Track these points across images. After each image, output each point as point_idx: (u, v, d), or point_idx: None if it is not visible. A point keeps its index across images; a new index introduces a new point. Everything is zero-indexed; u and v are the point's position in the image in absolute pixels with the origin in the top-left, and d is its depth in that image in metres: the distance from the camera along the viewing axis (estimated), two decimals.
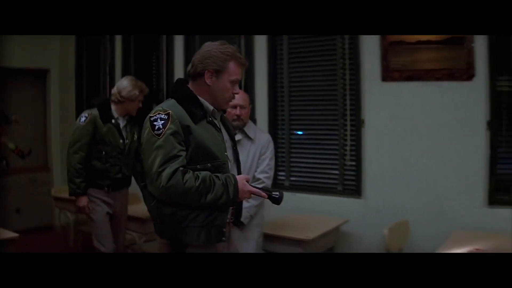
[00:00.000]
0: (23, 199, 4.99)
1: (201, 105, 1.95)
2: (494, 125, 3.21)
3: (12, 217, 4.78)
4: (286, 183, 3.93)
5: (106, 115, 3.24)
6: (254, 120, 3.96)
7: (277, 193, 1.99)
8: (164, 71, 4.51)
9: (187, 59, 4.36)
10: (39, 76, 5.23)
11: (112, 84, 4.82)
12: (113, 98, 3.27)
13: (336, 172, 3.70)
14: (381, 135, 3.52)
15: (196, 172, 1.84)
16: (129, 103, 3.25)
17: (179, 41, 4.42)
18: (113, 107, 3.27)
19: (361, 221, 3.51)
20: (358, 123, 3.58)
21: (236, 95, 2.25)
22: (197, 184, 1.82)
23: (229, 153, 2.06)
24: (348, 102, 3.61)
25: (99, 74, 5.00)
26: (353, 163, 3.62)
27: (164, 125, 1.84)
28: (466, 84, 3.23)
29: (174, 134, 1.84)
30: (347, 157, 3.67)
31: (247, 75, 4.03)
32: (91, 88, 5.08)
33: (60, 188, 4.80)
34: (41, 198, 4.97)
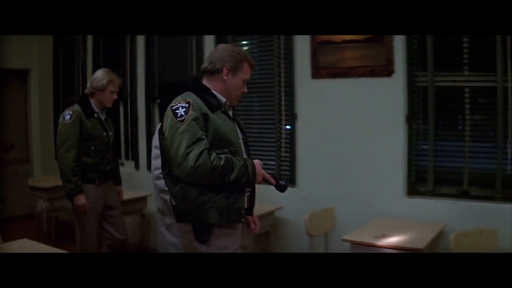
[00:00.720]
0: (7, 190, 5.32)
1: (215, 97, 2.09)
2: (412, 119, 3.39)
3: None
4: None
5: (88, 110, 3.25)
6: None
7: (283, 182, 2.13)
8: (128, 70, 4.78)
9: (148, 58, 4.66)
10: (21, 75, 5.57)
11: (84, 83, 5.15)
12: (86, 91, 3.30)
13: (273, 162, 3.92)
14: (312, 129, 3.72)
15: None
16: (100, 93, 3.24)
17: (141, 41, 4.67)
18: (91, 101, 3.28)
19: (294, 208, 3.73)
20: (292, 118, 3.79)
21: None
22: (222, 163, 1.93)
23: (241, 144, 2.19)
24: (283, 98, 3.83)
25: (74, 73, 5.30)
26: (288, 154, 3.85)
27: (186, 112, 1.95)
28: (386, 80, 3.41)
29: (195, 119, 1.96)
30: (283, 149, 3.89)
31: (198, 73, 4.27)
32: (67, 87, 5.40)
33: (36, 178, 5.18)
34: (23, 189, 5.26)
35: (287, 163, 3.86)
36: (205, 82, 2.15)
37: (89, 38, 5.09)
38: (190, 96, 2.05)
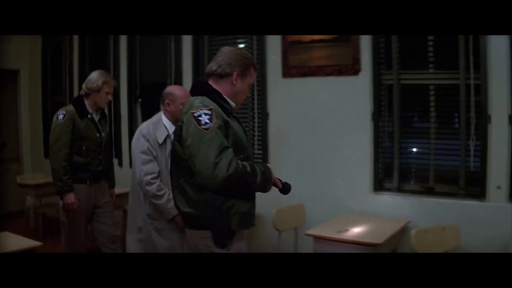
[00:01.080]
0: None
1: (227, 101, 2.04)
2: (378, 117, 3.44)
3: None
4: None
5: (82, 111, 3.25)
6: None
7: (289, 184, 2.13)
8: (112, 70, 4.86)
9: (130, 59, 4.74)
10: (11, 76, 5.67)
11: (71, 83, 5.26)
12: (82, 92, 3.29)
13: None
14: (283, 127, 3.79)
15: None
16: (95, 94, 3.24)
17: (123, 42, 4.76)
18: (86, 102, 3.28)
19: (265, 203, 3.77)
20: (264, 116, 3.86)
21: (185, 93, 2.67)
22: (249, 170, 1.91)
23: None
24: (255, 97, 3.89)
25: (62, 74, 5.40)
26: (260, 151, 3.92)
27: (210, 119, 1.89)
28: (353, 78, 3.47)
29: (220, 127, 1.91)
30: (255, 146, 3.96)
31: (176, 73, 4.36)
32: (55, 87, 5.51)
33: (25, 176, 5.30)
34: (14, 186, 5.34)
35: (259, 160, 3.92)
36: (212, 85, 2.07)
37: (75, 39, 5.18)
38: (207, 101, 1.97)
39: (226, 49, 2.14)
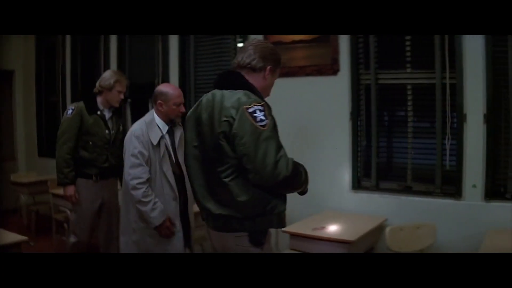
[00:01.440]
0: None
1: (262, 97, 1.96)
2: (356, 116, 3.46)
3: None
4: None
5: (91, 107, 3.29)
6: None
7: None
8: (102, 70, 4.91)
9: (120, 59, 4.80)
10: (6, 76, 5.77)
11: (64, 83, 5.34)
12: (95, 89, 3.32)
13: None
14: None
15: None
16: (107, 93, 3.27)
17: (113, 42, 4.82)
18: (98, 99, 3.32)
19: None
20: None
21: (178, 93, 2.70)
22: (301, 170, 1.91)
23: None
24: None
25: (55, 75, 5.48)
26: None
27: (265, 116, 1.81)
28: (332, 78, 3.50)
29: (274, 124, 1.86)
30: None
31: (164, 73, 4.42)
32: (48, 87, 5.59)
33: (18, 174, 5.39)
34: (9, 184, 5.42)
35: None
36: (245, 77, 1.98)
37: (68, 40, 5.26)
38: (254, 96, 1.87)
39: (257, 42, 2.04)
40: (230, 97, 1.87)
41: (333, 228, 3.03)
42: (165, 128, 2.83)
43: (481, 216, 3.04)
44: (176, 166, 2.88)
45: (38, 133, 5.68)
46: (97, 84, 3.33)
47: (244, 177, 1.84)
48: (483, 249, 2.56)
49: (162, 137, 2.80)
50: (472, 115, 3.07)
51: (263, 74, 1.99)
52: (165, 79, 4.38)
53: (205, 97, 2.00)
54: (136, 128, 2.80)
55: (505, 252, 2.42)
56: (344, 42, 3.43)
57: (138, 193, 2.70)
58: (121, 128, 3.47)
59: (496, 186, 3.08)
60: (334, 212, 3.41)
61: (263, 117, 1.81)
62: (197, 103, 2.05)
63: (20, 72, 5.78)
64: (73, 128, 3.25)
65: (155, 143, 2.76)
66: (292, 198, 3.54)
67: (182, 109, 2.86)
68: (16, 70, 5.76)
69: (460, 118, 3.11)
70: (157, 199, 2.74)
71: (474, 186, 3.10)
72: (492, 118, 3.02)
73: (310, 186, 3.49)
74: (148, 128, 2.77)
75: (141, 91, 4.55)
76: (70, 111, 3.30)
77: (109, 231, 3.45)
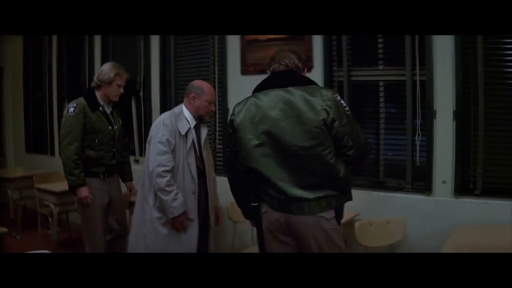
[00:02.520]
0: None
1: None
2: None
3: None
4: None
5: (93, 103, 3.15)
6: (150, 112, 4.36)
7: None
8: (87, 69, 4.95)
9: (104, 58, 4.80)
10: None
11: (50, 80, 5.35)
12: (93, 84, 3.21)
13: None
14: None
15: None
16: (107, 86, 3.15)
17: (97, 42, 4.83)
18: (97, 94, 3.19)
19: (226, 196, 3.80)
20: (224, 112, 3.91)
21: (212, 91, 2.83)
22: None
23: None
24: (216, 93, 3.90)
25: (42, 72, 5.49)
26: (220, 146, 3.98)
27: (345, 102, 2.14)
28: (306, 75, 3.48)
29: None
30: (217, 141, 4.02)
31: (145, 71, 4.43)
32: (36, 84, 5.61)
33: (6, 170, 5.41)
34: None
35: (220, 154, 4.00)
36: None
37: (54, 39, 5.28)
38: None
39: (290, 49, 2.33)
40: (312, 91, 2.09)
41: None
42: (193, 122, 2.84)
43: (451, 211, 3.04)
44: (200, 160, 2.88)
45: (26, 129, 5.69)
46: (95, 78, 3.20)
47: (339, 155, 2.09)
48: (447, 245, 2.56)
49: (190, 129, 2.80)
50: (442, 112, 3.08)
51: (304, 74, 2.30)
52: (147, 77, 4.41)
53: (268, 96, 2.17)
54: (165, 117, 2.82)
55: (469, 247, 2.45)
56: (317, 40, 3.43)
57: (162, 181, 2.68)
58: (120, 122, 3.35)
59: (465, 182, 3.08)
60: None
61: (345, 104, 2.12)
62: (247, 105, 2.21)
63: (9, 69, 5.79)
64: (78, 127, 3.08)
65: (183, 133, 2.76)
66: None
67: (213, 108, 2.94)
68: (4, 68, 5.76)
69: (430, 114, 3.11)
70: (178, 190, 2.74)
71: (444, 182, 3.10)
72: (461, 115, 3.03)
73: None
74: (177, 119, 2.79)
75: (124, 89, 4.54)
76: (72, 109, 3.10)
77: (116, 228, 3.36)
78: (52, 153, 5.38)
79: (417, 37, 3.12)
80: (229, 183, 2.33)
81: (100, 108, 3.18)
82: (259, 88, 2.28)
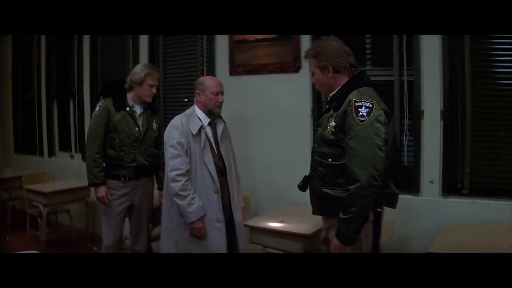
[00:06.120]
0: None
1: None
2: (317, 113, 3.37)
3: None
4: None
5: (119, 103, 3.10)
6: None
7: None
8: (76, 68, 4.81)
9: (93, 58, 4.67)
10: None
11: (39, 80, 5.21)
12: (126, 85, 3.15)
13: None
14: (231, 122, 3.68)
15: None
16: (138, 87, 3.08)
17: (86, 42, 4.70)
18: (128, 95, 3.14)
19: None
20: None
21: (217, 82, 2.71)
22: None
23: None
24: None
25: (30, 72, 5.34)
26: None
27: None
28: (294, 76, 3.40)
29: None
30: None
31: None
32: (24, 84, 5.46)
33: None
34: None
35: None
36: None
37: (43, 39, 5.13)
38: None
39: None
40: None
41: (292, 222, 2.96)
42: (206, 120, 2.74)
43: (438, 211, 2.96)
44: (218, 158, 2.76)
45: (14, 129, 5.54)
46: (127, 79, 3.14)
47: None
48: (435, 245, 2.49)
49: (202, 127, 2.69)
50: (429, 112, 2.99)
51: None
52: None
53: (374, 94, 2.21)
54: (176, 119, 2.73)
55: (456, 247, 2.38)
56: (305, 40, 3.32)
57: (176, 186, 2.57)
58: (154, 125, 3.21)
59: (453, 182, 2.99)
60: (297, 207, 3.31)
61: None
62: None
63: None
64: (100, 125, 3.06)
65: (194, 132, 2.65)
66: (258, 193, 3.52)
67: (221, 98, 2.79)
68: None
69: (417, 114, 3.02)
70: (195, 195, 2.61)
71: (432, 181, 3.02)
72: (448, 115, 2.95)
73: (275, 181, 3.51)
74: (189, 119, 2.69)
75: (113, 88, 4.43)
76: (97, 108, 3.11)
77: (137, 234, 3.26)
78: (41, 154, 5.23)
79: (404, 37, 3.04)
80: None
81: (127, 109, 3.10)
82: (363, 84, 2.27)
